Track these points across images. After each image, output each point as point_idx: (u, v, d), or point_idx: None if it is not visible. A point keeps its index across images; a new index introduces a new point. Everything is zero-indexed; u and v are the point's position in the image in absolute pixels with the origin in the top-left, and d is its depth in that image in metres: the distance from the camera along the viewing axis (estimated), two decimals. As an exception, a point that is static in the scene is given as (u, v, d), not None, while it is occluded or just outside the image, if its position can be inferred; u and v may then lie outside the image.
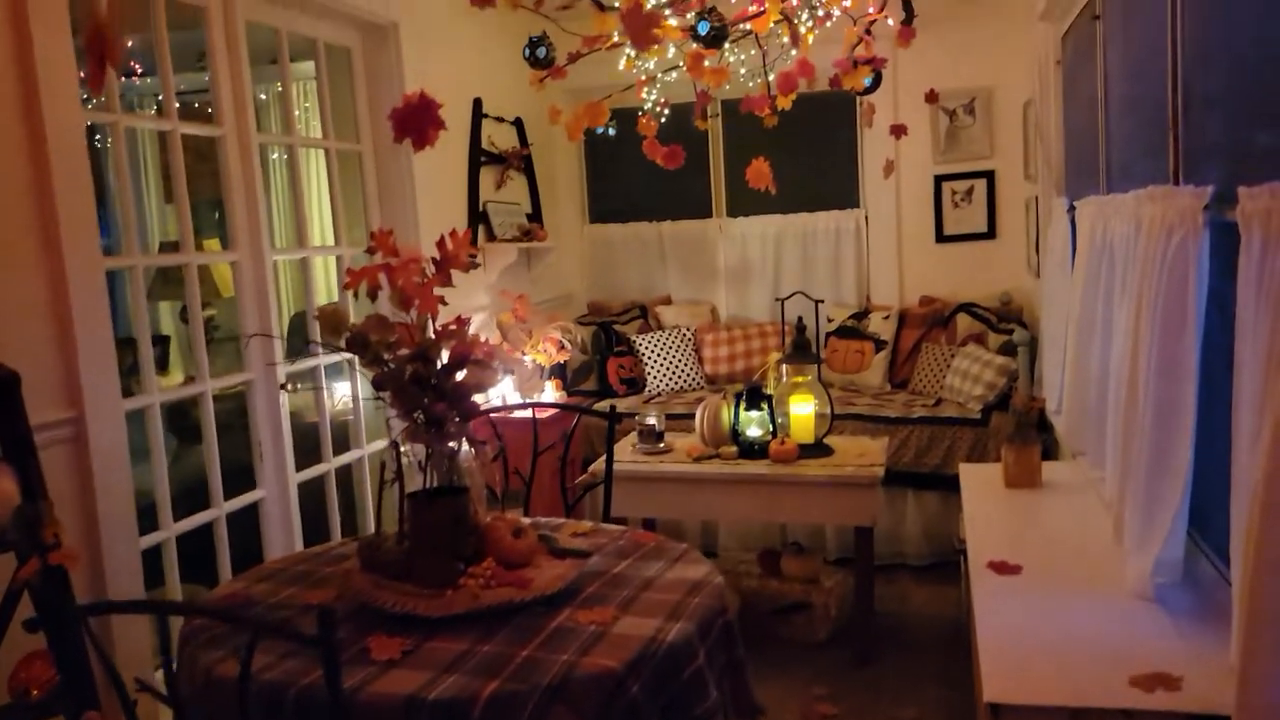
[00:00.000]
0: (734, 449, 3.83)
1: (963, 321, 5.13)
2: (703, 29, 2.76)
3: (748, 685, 2.05)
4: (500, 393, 4.63)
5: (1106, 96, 3.29)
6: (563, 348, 4.83)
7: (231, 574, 3.28)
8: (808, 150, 5.64)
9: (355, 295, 2.12)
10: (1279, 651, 1.47)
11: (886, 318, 5.33)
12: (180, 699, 1.70)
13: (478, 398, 2.03)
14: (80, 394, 2.58)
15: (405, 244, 2.06)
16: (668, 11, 3.00)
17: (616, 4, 2.72)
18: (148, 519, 2.96)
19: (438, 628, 1.86)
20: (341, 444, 3.95)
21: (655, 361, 5.41)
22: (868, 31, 3.42)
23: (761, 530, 4.75)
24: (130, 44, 4.68)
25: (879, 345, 5.26)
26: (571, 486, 3.32)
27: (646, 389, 5.40)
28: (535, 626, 1.86)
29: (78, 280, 2.57)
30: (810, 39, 3.30)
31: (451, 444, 2.00)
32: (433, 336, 1.99)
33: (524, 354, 4.76)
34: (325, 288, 5.09)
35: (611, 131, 3.56)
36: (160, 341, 5.50)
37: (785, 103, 3.47)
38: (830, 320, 5.44)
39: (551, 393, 4.97)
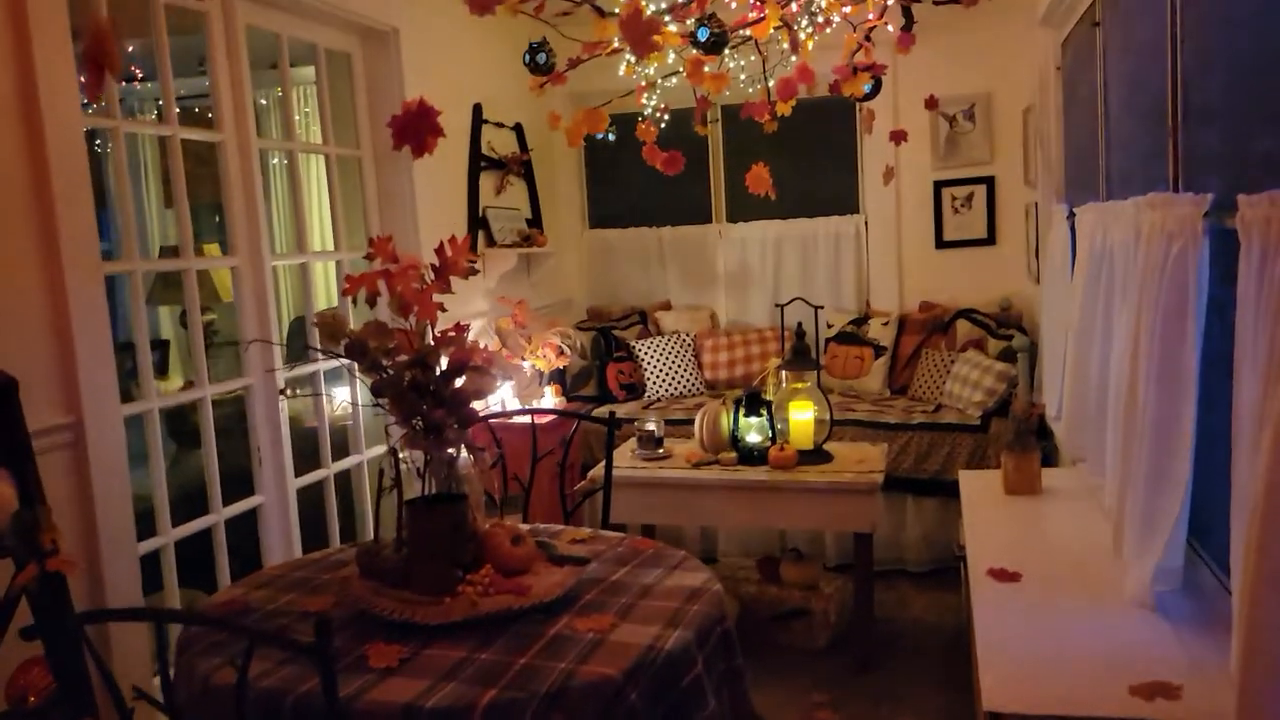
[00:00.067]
0: (733, 455, 3.83)
1: (962, 327, 5.12)
2: (702, 35, 2.76)
3: (746, 693, 2.05)
4: (499, 399, 4.63)
5: (1106, 103, 3.30)
6: (562, 353, 4.82)
7: (230, 579, 3.27)
8: (807, 156, 5.64)
9: (354, 301, 2.12)
10: (1279, 661, 1.46)
11: (886, 323, 5.33)
12: (177, 706, 1.70)
13: (476, 404, 2.02)
14: (79, 399, 2.58)
15: (404, 250, 2.06)
16: (667, 18, 3.00)
17: (616, 10, 2.72)
18: (146, 524, 2.96)
19: (436, 635, 1.86)
20: (341, 449, 3.95)
21: (655, 367, 5.40)
22: (867, 38, 3.42)
23: (761, 536, 4.74)
24: (131, 49, 4.68)
25: (878, 351, 5.25)
26: (570, 493, 3.32)
27: (646, 394, 5.40)
28: (533, 634, 1.85)
29: (77, 285, 2.57)
30: (810, 45, 3.30)
31: (450, 450, 2.00)
32: (431, 343, 1.99)
33: (523, 360, 4.76)
34: (325, 293, 5.09)
35: (611, 137, 3.56)
36: (160, 346, 5.50)
37: (785, 108, 3.47)
38: (830, 326, 5.44)
39: (551, 398, 4.96)
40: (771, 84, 3.42)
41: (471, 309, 4.76)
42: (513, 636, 1.85)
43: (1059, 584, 2.43)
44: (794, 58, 3.33)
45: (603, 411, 4.94)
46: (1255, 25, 1.91)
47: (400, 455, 2.08)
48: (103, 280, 2.69)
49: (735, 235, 5.85)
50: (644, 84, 3.76)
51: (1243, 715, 1.51)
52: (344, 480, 3.99)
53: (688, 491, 3.82)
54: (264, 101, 5.38)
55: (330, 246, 4.28)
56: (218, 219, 4.83)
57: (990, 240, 5.43)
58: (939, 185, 5.47)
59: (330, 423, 3.88)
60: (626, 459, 3.96)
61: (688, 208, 5.91)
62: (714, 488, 3.77)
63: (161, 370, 5.41)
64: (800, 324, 4.06)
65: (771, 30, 3.04)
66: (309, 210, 4.65)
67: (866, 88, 3.54)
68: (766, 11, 2.95)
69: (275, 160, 5.35)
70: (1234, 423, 1.67)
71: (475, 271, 2.02)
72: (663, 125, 3.76)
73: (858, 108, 5.23)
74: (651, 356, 5.42)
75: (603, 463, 3.05)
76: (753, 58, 3.50)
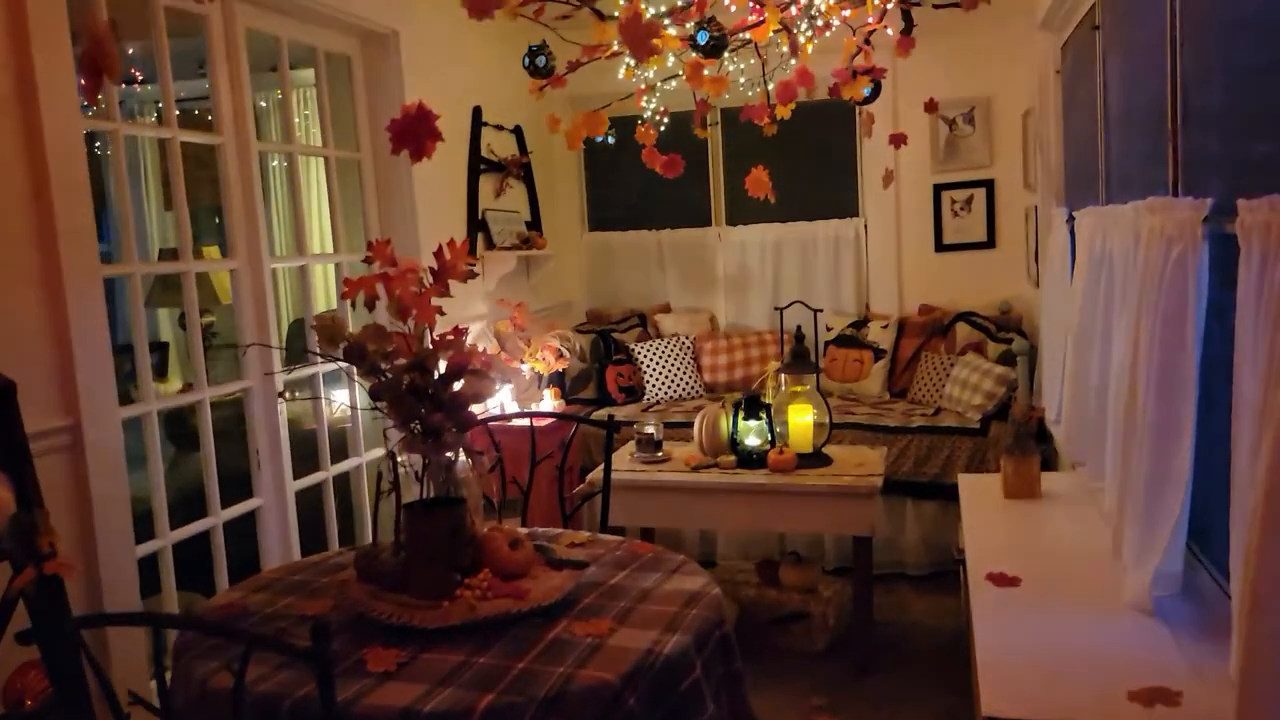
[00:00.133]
0: (732, 458, 3.83)
1: (962, 330, 5.12)
2: (702, 38, 2.76)
3: (745, 697, 2.04)
4: (498, 402, 4.63)
5: (1106, 106, 3.30)
6: (561, 356, 4.82)
7: (229, 582, 3.27)
8: (807, 159, 5.64)
9: (353, 304, 2.12)
10: (1279, 666, 1.46)
11: (885, 326, 5.33)
12: (173, 711, 1.70)
13: (475, 407, 2.02)
14: (77, 401, 2.57)
15: (404, 253, 2.06)
16: (667, 21, 3.00)
17: (616, 13, 2.72)
18: (145, 526, 2.96)
19: (434, 639, 1.86)
20: (340, 452, 3.95)
21: (654, 370, 5.40)
22: (867, 41, 3.42)
23: (760, 540, 4.74)
24: (131, 51, 4.68)
25: (878, 354, 5.25)
26: (569, 496, 3.32)
27: (645, 397, 5.39)
28: (532, 638, 1.85)
29: (75, 288, 2.57)
30: (809, 48, 3.30)
31: (448, 454, 2.00)
32: (430, 346, 1.99)
33: (522, 362, 4.75)
34: (324, 295, 5.09)
35: (611, 140, 3.56)
36: (159, 348, 5.50)
37: (784, 112, 3.47)
38: (829, 329, 5.43)
39: (550, 401, 4.96)
40: (771, 87, 3.41)
41: (471, 311, 4.75)
42: (511, 641, 1.84)
43: (1058, 588, 2.43)
44: (793, 61, 3.33)
45: (602, 414, 4.95)
46: (1255, 29, 1.91)
47: (398, 459, 2.07)
48: (101, 283, 2.69)
49: (735, 238, 5.85)
50: (643, 87, 3.76)
51: (1242, 721, 1.51)
52: (343, 483, 3.98)
53: (687, 495, 3.81)
54: (264, 104, 5.38)
55: (329, 249, 4.28)
56: (217, 221, 4.83)
57: (990, 243, 5.44)
58: (938, 188, 5.47)
59: (329, 425, 3.88)
60: (625, 462, 3.96)
61: (687, 211, 5.91)
62: (713, 491, 3.76)
63: (160, 372, 5.41)
64: (799, 327, 4.06)
65: (771, 33, 3.04)
66: (308, 213, 4.65)
67: (866, 91, 3.54)
68: (766, 15, 2.94)
69: (275, 163, 5.35)
70: (1233, 426, 1.66)
71: (474, 275, 2.02)
72: (662, 128, 3.76)
73: (857, 111, 5.23)
74: (651, 359, 5.42)
75: (601, 466, 3.04)
76: (752, 61, 3.49)
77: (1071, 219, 3.65)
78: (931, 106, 4.29)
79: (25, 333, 2.48)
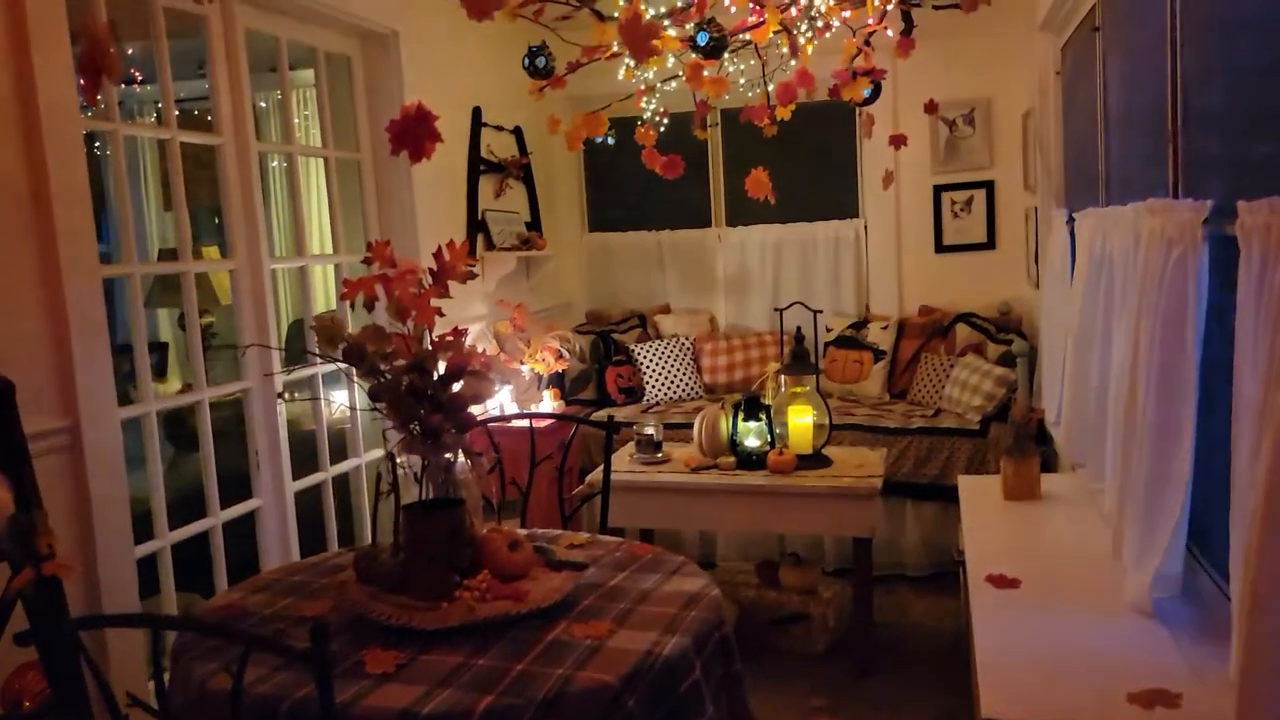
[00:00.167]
0: (732, 459, 3.82)
1: (961, 332, 5.12)
2: (702, 40, 2.76)
3: (745, 699, 2.04)
4: (497, 403, 4.62)
5: (1106, 108, 3.29)
6: (561, 357, 4.82)
7: (228, 583, 3.27)
8: (807, 160, 5.64)
9: (352, 305, 2.12)
10: (1279, 667, 1.46)
11: (885, 328, 5.33)
12: (172, 712, 1.69)
13: (474, 409, 2.02)
14: (76, 402, 2.57)
15: (404, 253, 2.06)
16: (667, 22, 3.00)
17: (615, 14, 2.72)
18: (144, 527, 2.95)
19: (433, 640, 1.86)
20: (339, 453, 3.94)
21: (654, 371, 5.40)
22: (867, 42, 3.42)
23: (760, 541, 4.74)
24: (130, 51, 4.68)
25: (878, 355, 5.25)
26: (569, 497, 3.32)
27: (645, 398, 5.39)
28: (531, 640, 1.85)
29: (74, 288, 2.57)
30: (809, 50, 3.30)
31: (447, 455, 2.00)
32: (429, 347, 1.99)
33: (522, 363, 4.75)
34: (324, 296, 5.09)
35: (611, 140, 3.56)
36: (158, 348, 5.50)
37: (784, 113, 3.47)
38: (829, 330, 5.43)
39: (549, 402, 4.96)
40: (771, 88, 3.41)
41: (470, 312, 4.75)
42: (510, 642, 1.84)
43: (1058, 590, 2.43)
44: (793, 62, 3.33)
45: (601, 415, 4.95)
46: (1255, 30, 1.91)
47: (397, 460, 2.07)
48: (100, 283, 2.69)
49: (734, 239, 5.85)
50: (643, 88, 3.76)
51: (1242, 723, 1.51)
52: (342, 484, 3.98)
53: (686, 496, 3.81)
54: (263, 104, 5.38)
55: (329, 250, 4.28)
56: (217, 222, 4.83)
57: (990, 245, 5.43)
58: (938, 190, 5.47)
59: (329, 426, 3.88)
60: (625, 463, 3.96)
61: (687, 211, 5.91)
62: (713, 492, 3.76)
63: (160, 373, 5.41)
64: (799, 328, 4.05)
65: (771, 35, 3.04)
66: (308, 213, 4.65)
67: (866, 92, 3.55)
68: (766, 16, 2.94)
69: (275, 163, 5.35)
70: (1233, 428, 1.66)
71: (473, 276, 2.01)
72: (662, 129, 3.76)
73: (857, 112, 5.22)
74: (650, 360, 5.42)
75: (601, 467, 3.04)
76: (752, 62, 3.49)
77: (1071, 220, 3.64)
78: (931, 108, 4.30)
79: (24, 333, 2.47)
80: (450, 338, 2.00)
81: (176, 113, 3.21)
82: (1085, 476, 3.16)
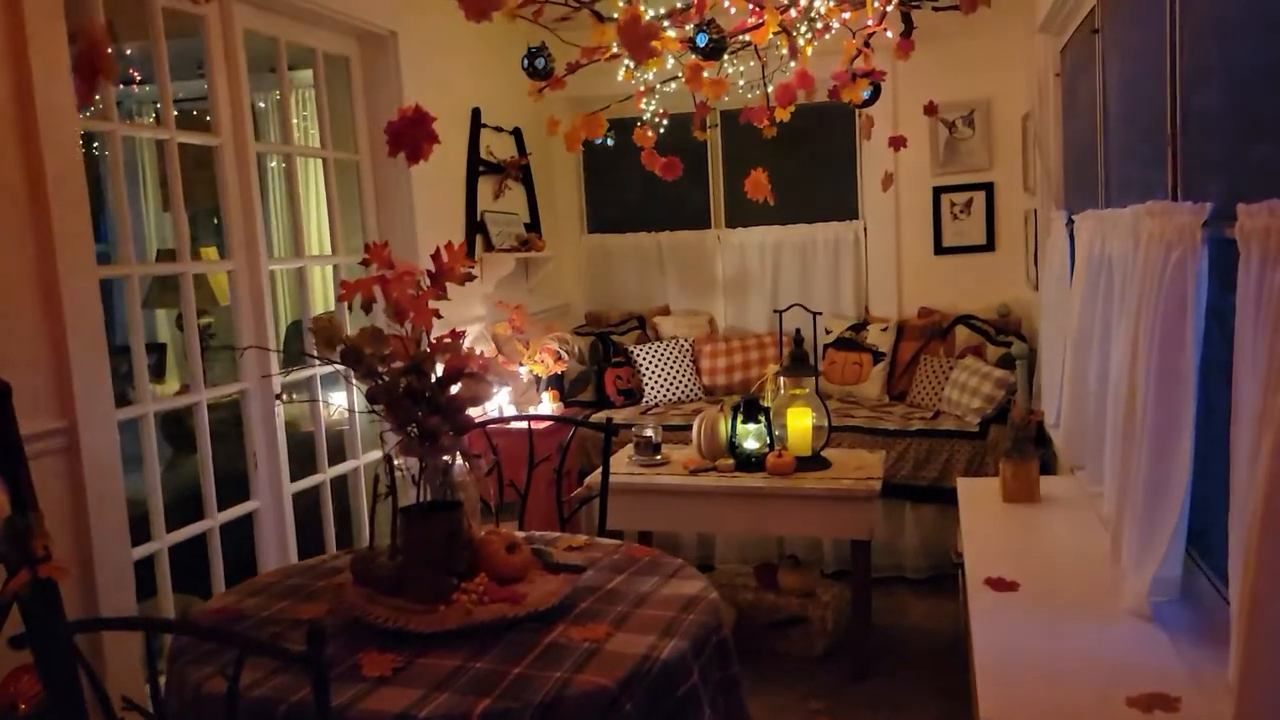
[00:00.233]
0: (731, 461, 3.82)
1: (961, 334, 5.12)
2: (701, 41, 2.76)
3: (742, 702, 2.04)
4: (496, 404, 4.62)
5: (1105, 110, 3.29)
6: (560, 358, 4.81)
7: (225, 585, 3.26)
8: (806, 161, 5.64)
9: (350, 307, 2.11)
10: (1278, 671, 1.45)
11: (885, 329, 5.32)
12: (167, 716, 1.69)
13: (472, 411, 2.01)
14: (73, 403, 2.56)
15: (402, 254, 2.05)
16: (666, 23, 3.00)
17: (615, 15, 2.72)
18: (141, 529, 2.94)
19: (430, 644, 1.85)
20: (337, 454, 3.94)
21: (653, 372, 5.39)
22: (866, 44, 3.42)
23: (758, 543, 4.73)
24: (129, 51, 4.68)
25: (877, 357, 5.25)
26: (567, 499, 3.31)
27: (644, 400, 5.39)
28: (528, 643, 1.84)
29: (71, 289, 2.56)
30: (809, 51, 3.30)
31: (445, 458, 1.99)
32: (427, 349, 1.98)
33: (520, 365, 4.75)
34: (322, 297, 5.09)
35: (610, 142, 3.56)
36: (157, 349, 5.49)
37: (784, 114, 3.47)
38: (828, 332, 5.43)
39: (548, 404, 4.95)
40: (770, 89, 3.41)
41: (470, 314, 4.75)
42: (507, 645, 1.84)
43: (1057, 593, 2.42)
44: (793, 63, 3.33)
45: (601, 417, 4.95)
46: (1255, 32, 1.90)
47: (395, 462, 2.07)
48: (97, 284, 2.68)
49: (734, 240, 5.85)
50: (643, 89, 3.76)
51: (1241, 728, 1.50)
52: (340, 485, 3.97)
53: (685, 498, 3.81)
54: (262, 105, 5.38)
55: (328, 251, 4.27)
56: (216, 222, 4.83)
57: (989, 246, 5.43)
58: (938, 191, 5.47)
59: (327, 427, 3.87)
60: (624, 465, 3.95)
61: (686, 213, 5.91)
62: (711, 494, 3.76)
63: (158, 374, 5.40)
64: (799, 330, 4.05)
65: (770, 36, 3.04)
66: (306, 214, 4.64)
67: (865, 94, 3.55)
68: (765, 17, 2.94)
69: (273, 164, 5.35)
70: (1232, 430, 1.66)
71: (471, 278, 2.01)
72: (662, 130, 3.76)
73: (857, 113, 5.22)
74: (650, 362, 5.42)
75: (600, 469, 3.04)
76: (752, 63, 3.49)
77: (1071, 222, 3.64)
78: (931, 109, 4.30)
79: (21, 335, 2.47)
80: (448, 340, 2.00)
81: (175, 113, 3.20)
82: (1084, 479, 3.16)
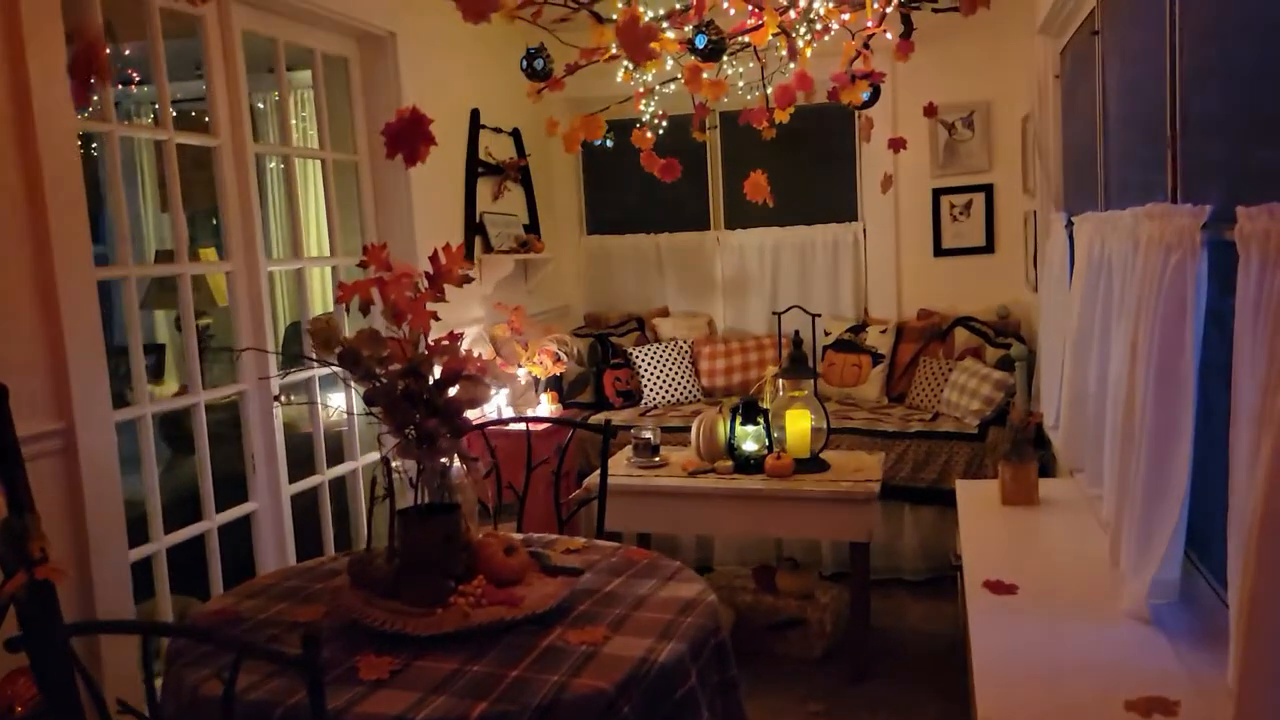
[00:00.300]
0: (730, 463, 3.81)
1: (960, 335, 5.11)
2: (700, 42, 2.76)
3: (740, 705, 2.03)
4: (494, 406, 4.61)
5: (1105, 112, 3.29)
6: (559, 360, 4.81)
7: (223, 586, 3.26)
8: (806, 163, 5.63)
9: (348, 309, 2.11)
10: (1277, 674, 1.45)
11: (884, 331, 5.32)
12: (165, 719, 1.68)
13: (470, 413, 2.01)
14: (70, 405, 2.56)
15: (401, 255, 2.05)
16: (665, 24, 3.00)
17: (614, 16, 2.72)
18: (139, 530, 2.94)
19: (427, 646, 1.85)
20: (336, 455, 3.93)
21: (652, 374, 5.39)
22: (866, 45, 3.41)
23: (757, 545, 4.73)
24: (127, 52, 4.67)
25: (876, 359, 5.24)
26: (566, 501, 3.31)
27: (643, 401, 5.38)
28: (526, 646, 1.84)
29: (68, 291, 2.55)
30: (808, 52, 3.30)
31: (443, 460, 1.99)
32: (425, 352, 1.98)
33: (519, 366, 4.74)
34: (321, 298, 5.08)
35: (609, 143, 3.56)
36: (156, 350, 5.49)
37: (783, 115, 3.47)
38: (827, 333, 5.43)
39: (547, 405, 4.95)
40: (770, 91, 3.41)
41: (468, 315, 4.75)
42: (505, 648, 1.83)
43: (1055, 596, 2.42)
44: (792, 65, 3.33)
45: (599, 418, 4.95)
46: (1255, 35, 1.90)
47: (393, 464, 2.06)
48: (95, 286, 2.67)
49: (733, 242, 5.85)
50: (642, 90, 3.76)
51: (1240, 732, 1.50)
52: (339, 487, 3.97)
53: (684, 500, 3.80)
54: (261, 105, 5.37)
55: (326, 252, 4.27)
56: (214, 223, 4.82)
57: (989, 248, 5.43)
58: (937, 193, 5.47)
59: (326, 428, 3.86)
60: (622, 467, 3.95)
61: (686, 214, 5.90)
62: (710, 496, 3.75)
63: (157, 374, 5.39)
64: (798, 331, 4.05)
65: (770, 37, 3.04)
66: (305, 215, 4.64)
67: (865, 95, 3.54)
68: (764, 19, 2.94)
69: (272, 165, 5.34)
70: (1232, 433, 1.65)
71: (469, 280, 2.00)
72: (661, 131, 3.75)
73: (856, 115, 5.22)
74: (649, 363, 5.41)
75: (598, 470, 3.03)
76: (751, 64, 3.49)
77: (1070, 224, 3.64)
78: (931, 111, 4.29)
79: (18, 336, 2.46)
80: (446, 342, 1.99)
81: (173, 113, 3.20)
82: (1083, 481, 3.15)
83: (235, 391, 3.44)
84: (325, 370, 3.76)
